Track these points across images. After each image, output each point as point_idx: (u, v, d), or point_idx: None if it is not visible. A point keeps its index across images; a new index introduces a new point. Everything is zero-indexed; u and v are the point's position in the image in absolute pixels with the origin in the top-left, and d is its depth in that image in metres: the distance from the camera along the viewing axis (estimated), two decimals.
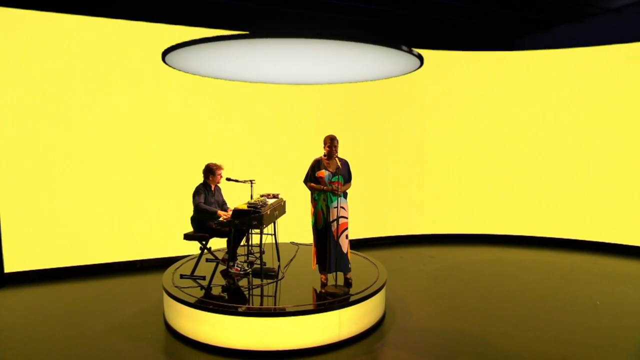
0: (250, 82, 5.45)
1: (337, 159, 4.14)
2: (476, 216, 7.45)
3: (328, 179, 4.16)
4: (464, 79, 7.39)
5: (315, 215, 4.22)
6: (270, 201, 4.48)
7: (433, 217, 7.47)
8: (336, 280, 4.14)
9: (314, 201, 4.22)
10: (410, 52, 3.71)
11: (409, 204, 7.43)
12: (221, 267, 4.54)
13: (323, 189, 4.14)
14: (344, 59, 4.10)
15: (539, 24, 7.38)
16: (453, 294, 5.06)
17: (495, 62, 7.34)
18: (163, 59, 4.01)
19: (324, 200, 4.15)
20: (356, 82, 5.40)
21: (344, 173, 4.22)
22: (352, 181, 4.36)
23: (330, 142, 4.17)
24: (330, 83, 5.57)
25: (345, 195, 4.26)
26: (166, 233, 5.84)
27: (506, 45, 8.05)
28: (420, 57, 3.95)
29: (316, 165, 4.22)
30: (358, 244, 6.77)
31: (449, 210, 7.47)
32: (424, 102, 7.39)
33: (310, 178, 4.22)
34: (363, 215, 6.96)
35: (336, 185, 4.11)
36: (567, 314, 4.48)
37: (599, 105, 6.90)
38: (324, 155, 4.25)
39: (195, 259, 4.60)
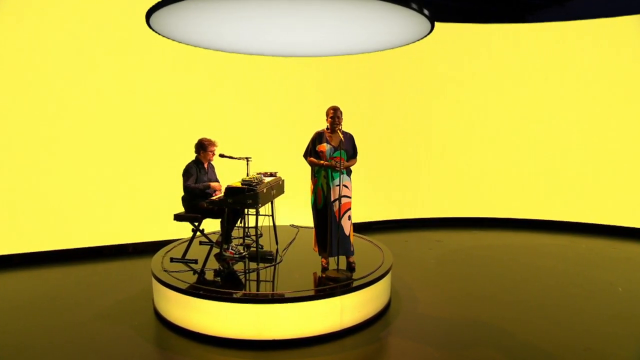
0: (248, 54, 5.08)
1: (340, 132, 3.77)
2: (485, 199, 7.11)
3: (329, 153, 3.81)
4: (475, 53, 6.99)
5: (314, 193, 3.89)
6: (267, 179, 4.16)
7: (440, 199, 7.14)
8: (338, 265, 3.82)
9: (314, 178, 3.88)
10: (421, 11, 3.33)
11: (415, 186, 7.10)
12: (216, 250, 4.25)
13: (323, 165, 3.80)
14: (347, 23, 3.73)
15: None
16: (462, 280, 4.76)
17: (508, 35, 6.94)
18: (147, 22, 3.65)
19: (324, 177, 3.81)
20: (360, 52, 5.01)
21: (348, 148, 3.86)
22: (358, 157, 4.01)
23: (333, 113, 3.81)
24: (333, 55, 5.18)
25: (348, 172, 3.93)
26: (160, 215, 5.49)
27: (518, 20, 7.61)
28: (430, 19, 3.56)
29: (317, 138, 3.88)
30: (360, 228, 6.45)
31: (456, 193, 7.14)
32: (432, 78, 7.02)
33: (311, 152, 3.88)
34: (366, 197, 6.64)
35: (338, 160, 3.76)
36: (587, 301, 4.17)
37: (618, 81, 6.50)
38: (327, 128, 3.90)
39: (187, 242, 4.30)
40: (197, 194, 4.10)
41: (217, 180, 4.41)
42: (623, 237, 6.39)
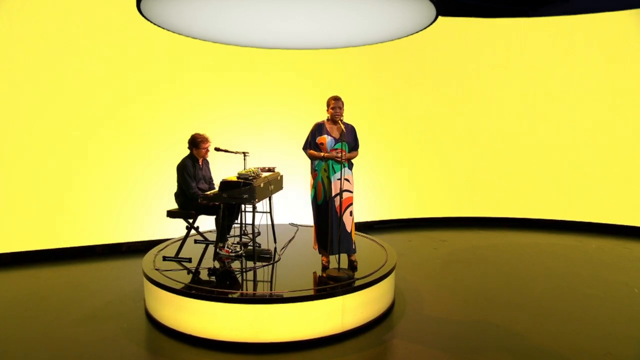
0: (246, 46, 4.91)
1: (341, 123, 3.58)
2: (490, 198, 6.91)
3: (330, 145, 3.62)
4: (478, 49, 6.82)
5: (314, 187, 3.69)
6: (265, 174, 3.97)
7: (444, 198, 6.95)
8: (339, 263, 3.62)
9: (314, 172, 3.69)
10: None
11: (419, 184, 6.90)
12: (212, 248, 4.06)
13: (323, 157, 3.61)
14: (348, 11, 3.56)
15: None
16: (469, 280, 4.56)
17: (513, 30, 6.76)
18: (139, 10, 3.47)
19: (325, 170, 3.62)
20: (361, 44, 4.83)
21: (349, 140, 3.68)
22: (359, 150, 3.82)
23: (335, 104, 3.63)
24: (333, 47, 5.01)
25: (350, 166, 3.74)
26: (156, 213, 5.33)
27: (523, 15, 7.44)
28: (435, 4, 3.38)
29: (317, 129, 3.69)
30: (362, 227, 6.27)
31: (461, 191, 6.95)
32: (435, 74, 6.84)
33: (310, 144, 3.69)
34: (368, 196, 6.47)
35: (339, 152, 3.57)
36: (602, 302, 3.96)
37: (627, 76, 6.31)
38: (327, 119, 3.71)
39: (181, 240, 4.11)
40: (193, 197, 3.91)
41: (210, 177, 4.23)
42: (634, 236, 6.20)
